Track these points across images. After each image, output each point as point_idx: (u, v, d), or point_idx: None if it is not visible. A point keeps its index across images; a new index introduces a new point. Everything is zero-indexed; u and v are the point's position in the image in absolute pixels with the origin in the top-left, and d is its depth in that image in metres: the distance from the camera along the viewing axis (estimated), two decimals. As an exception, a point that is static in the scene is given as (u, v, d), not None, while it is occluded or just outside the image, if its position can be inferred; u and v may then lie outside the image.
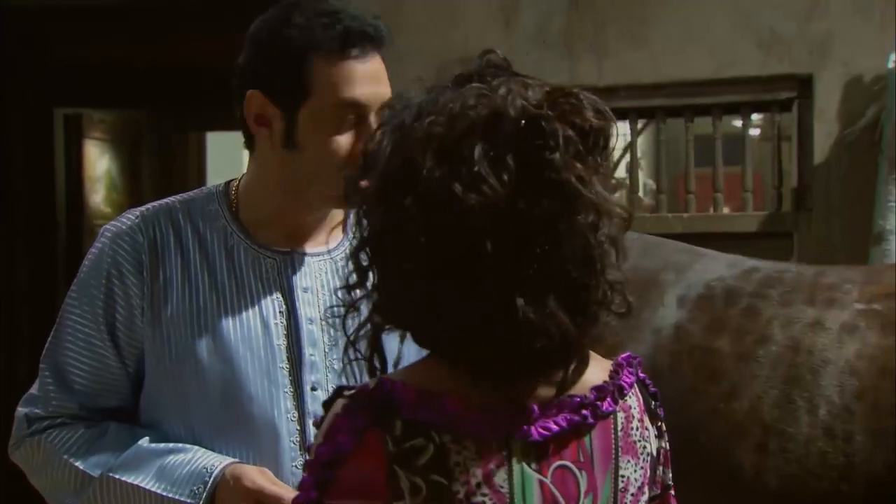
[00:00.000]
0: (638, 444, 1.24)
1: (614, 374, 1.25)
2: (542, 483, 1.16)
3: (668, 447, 1.31)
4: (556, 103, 1.13)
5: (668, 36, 4.19)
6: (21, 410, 1.74)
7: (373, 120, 1.60)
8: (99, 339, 1.69)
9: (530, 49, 4.24)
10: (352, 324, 1.20)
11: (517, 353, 1.13)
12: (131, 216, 1.73)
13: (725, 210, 4.63)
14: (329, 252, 1.76)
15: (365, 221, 1.18)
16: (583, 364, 1.19)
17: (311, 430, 1.67)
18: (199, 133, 9.10)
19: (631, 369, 1.27)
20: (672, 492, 1.33)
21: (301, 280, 1.72)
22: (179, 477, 1.62)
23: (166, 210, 1.73)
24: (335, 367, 1.70)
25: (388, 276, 1.17)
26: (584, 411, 1.19)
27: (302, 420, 1.68)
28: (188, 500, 1.61)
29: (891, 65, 3.81)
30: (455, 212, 1.09)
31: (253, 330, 1.67)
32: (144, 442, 1.67)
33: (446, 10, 4.41)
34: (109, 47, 6.57)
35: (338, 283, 1.74)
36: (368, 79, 1.63)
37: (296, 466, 1.66)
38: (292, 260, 1.72)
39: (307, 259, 1.73)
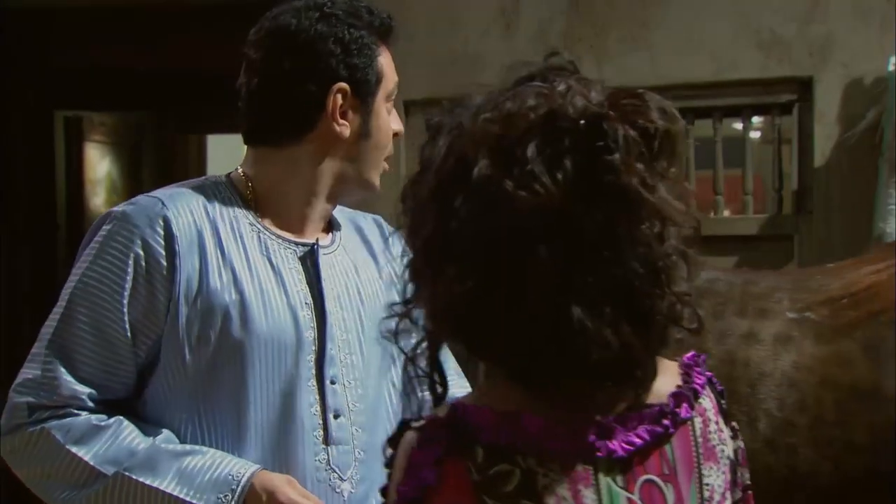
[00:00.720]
0: (717, 449, 1.18)
1: (686, 376, 1.18)
2: (630, 501, 1.10)
3: (743, 446, 1.24)
4: (619, 104, 1.07)
5: (668, 38, 4.20)
6: (19, 398, 1.65)
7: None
8: (116, 327, 1.63)
9: (531, 52, 4.23)
10: (406, 340, 1.15)
11: (574, 364, 1.06)
12: (155, 199, 1.68)
13: (726, 213, 4.63)
14: (329, 247, 1.78)
15: (419, 230, 1.12)
16: (652, 375, 1.13)
17: (333, 423, 1.68)
18: (200, 136, 9.10)
19: (699, 369, 1.20)
20: (751, 492, 1.25)
21: (322, 271, 1.73)
22: (202, 483, 1.59)
23: (188, 195, 1.69)
24: (349, 361, 1.70)
25: (439, 283, 1.10)
26: (664, 421, 1.13)
27: (324, 414, 1.68)
28: None
29: (891, 67, 3.81)
30: (505, 212, 1.03)
31: (283, 322, 1.67)
32: (160, 441, 1.63)
33: (447, 13, 4.41)
34: (110, 50, 6.57)
35: (341, 279, 1.76)
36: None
37: (319, 461, 1.66)
38: (314, 251, 1.73)
39: (321, 252, 1.74)
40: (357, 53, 1.69)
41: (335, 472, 1.67)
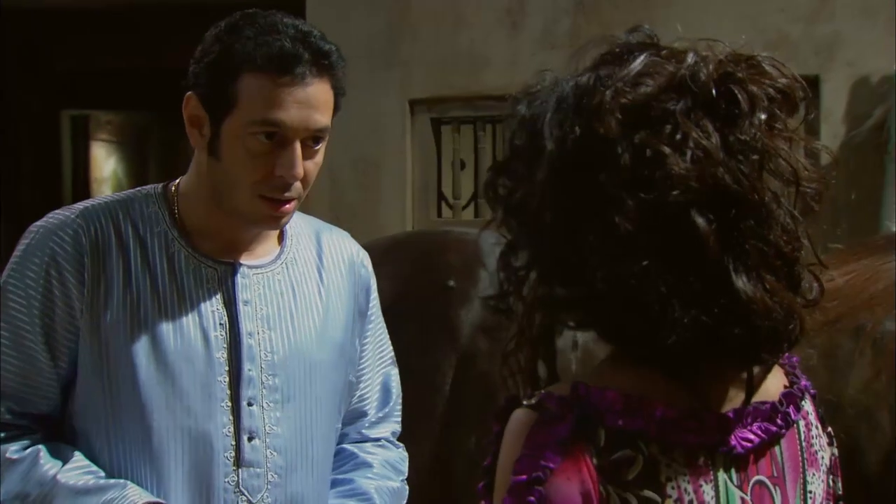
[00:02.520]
0: (818, 455, 1.13)
1: (794, 377, 1.14)
2: (743, 501, 1.05)
3: (837, 454, 1.19)
4: (741, 67, 1.05)
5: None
6: None
7: (297, 146, 1.58)
8: (32, 339, 1.62)
9: (536, 51, 4.24)
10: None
11: (740, 339, 1.00)
12: (70, 213, 1.66)
13: (732, 211, 4.63)
14: (265, 266, 1.72)
15: (515, 222, 1.07)
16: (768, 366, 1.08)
17: (246, 446, 1.64)
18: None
19: (798, 370, 1.16)
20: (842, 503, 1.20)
21: (242, 293, 1.68)
22: None
23: (106, 209, 1.67)
24: (270, 383, 1.66)
25: (575, 266, 1.02)
26: (777, 420, 1.08)
27: (237, 435, 1.64)
28: None
29: (897, 66, 3.81)
30: (660, 181, 0.98)
31: (192, 341, 1.63)
32: (64, 471, 1.60)
33: (453, 13, 4.41)
34: (117, 50, 6.58)
35: (273, 299, 1.69)
36: (297, 104, 1.58)
37: (228, 482, 1.63)
38: (234, 271, 1.68)
39: (247, 271, 1.69)
40: (211, 68, 1.61)
41: (244, 494, 1.64)
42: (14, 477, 1.61)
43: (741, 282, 0.99)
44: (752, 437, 1.06)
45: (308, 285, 1.74)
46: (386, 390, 1.86)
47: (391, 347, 1.87)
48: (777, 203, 1.02)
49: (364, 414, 1.84)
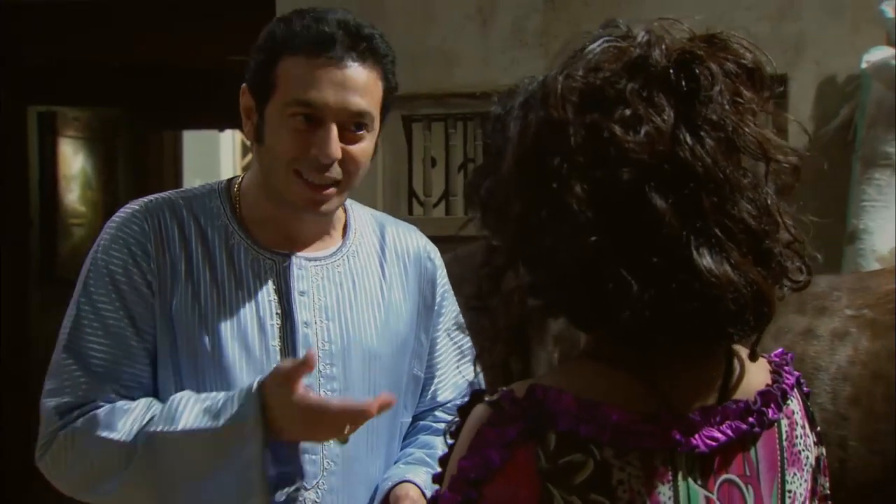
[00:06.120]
0: (802, 454, 1.12)
1: (776, 375, 1.13)
2: (708, 500, 1.04)
3: (825, 453, 1.19)
4: (702, 44, 1.06)
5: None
6: (48, 403, 1.66)
7: (332, 127, 1.62)
8: (117, 322, 1.65)
9: (507, 49, 4.25)
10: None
11: (702, 315, 0.99)
12: (135, 206, 1.72)
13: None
14: (325, 258, 1.76)
15: (490, 217, 1.08)
16: (743, 366, 1.08)
17: None
18: (175, 132, 9.06)
19: (788, 368, 1.15)
20: (829, 503, 1.20)
21: (298, 283, 1.72)
22: (219, 406, 1.60)
23: (169, 203, 1.72)
24: (328, 372, 1.70)
25: (546, 254, 1.02)
26: (749, 419, 1.07)
27: None
28: (237, 421, 1.57)
29: (864, 65, 3.84)
30: (613, 160, 0.98)
31: (249, 330, 1.67)
32: (175, 397, 1.64)
33: (424, 10, 4.42)
34: (85, 45, 6.53)
35: (332, 290, 1.73)
36: (332, 84, 1.62)
37: None
38: (290, 263, 1.72)
39: (304, 263, 1.73)
40: (256, 56, 1.67)
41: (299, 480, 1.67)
42: (132, 418, 1.63)
43: (702, 257, 0.98)
44: (719, 435, 1.04)
45: (369, 278, 1.77)
46: (466, 388, 1.83)
47: (470, 343, 1.84)
48: (747, 178, 1.01)
49: (440, 406, 1.84)
